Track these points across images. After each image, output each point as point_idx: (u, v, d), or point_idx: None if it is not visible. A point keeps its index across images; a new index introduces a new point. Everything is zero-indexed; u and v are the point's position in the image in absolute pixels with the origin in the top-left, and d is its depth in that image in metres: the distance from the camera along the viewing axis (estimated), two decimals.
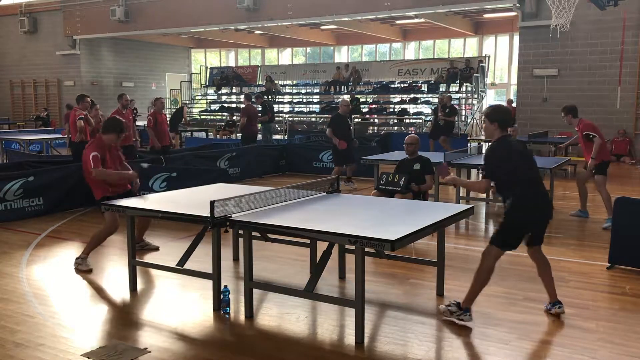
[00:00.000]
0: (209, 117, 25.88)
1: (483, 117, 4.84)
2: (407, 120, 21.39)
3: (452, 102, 17.64)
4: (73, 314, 4.81)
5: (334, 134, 10.68)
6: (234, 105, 25.63)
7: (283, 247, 6.16)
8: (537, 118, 16.70)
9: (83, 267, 5.95)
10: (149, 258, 6.30)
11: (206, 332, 4.45)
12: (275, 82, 25.26)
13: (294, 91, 25.74)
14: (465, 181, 5.53)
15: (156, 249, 6.66)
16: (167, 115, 14.02)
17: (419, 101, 21.65)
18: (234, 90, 26.83)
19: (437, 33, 24.35)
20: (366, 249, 4.11)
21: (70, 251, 6.84)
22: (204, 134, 20.19)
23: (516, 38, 19.02)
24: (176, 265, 5.20)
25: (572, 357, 3.95)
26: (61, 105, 24.46)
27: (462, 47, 25.59)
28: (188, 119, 25.45)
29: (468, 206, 5.16)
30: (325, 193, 5.64)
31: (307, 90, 25.27)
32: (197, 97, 28.18)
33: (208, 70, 28.54)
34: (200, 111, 26.88)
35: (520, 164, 4.53)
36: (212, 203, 4.42)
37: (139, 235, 6.53)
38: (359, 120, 20.77)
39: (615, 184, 11.85)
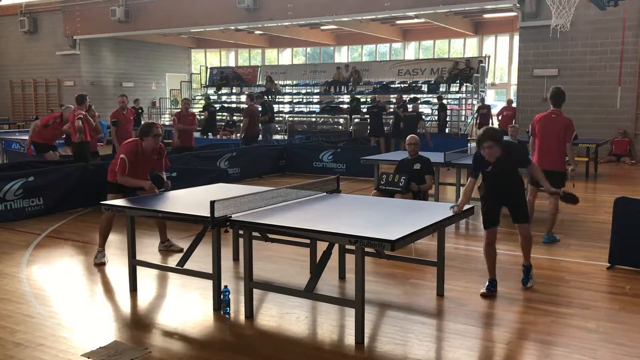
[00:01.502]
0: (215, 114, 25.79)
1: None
2: None
3: (445, 102, 17.72)
4: (73, 314, 4.81)
5: None
6: (234, 105, 25.61)
7: (283, 247, 6.16)
8: None
9: (96, 260, 6.23)
10: (149, 258, 6.30)
11: (206, 332, 4.45)
12: (275, 82, 25.25)
13: (294, 91, 25.72)
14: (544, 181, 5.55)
15: (181, 250, 6.48)
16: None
17: (419, 101, 21.64)
18: (234, 91, 26.82)
19: (437, 33, 24.34)
20: (366, 249, 4.11)
21: (71, 251, 6.85)
22: (210, 134, 20.15)
23: (516, 38, 19.02)
24: (176, 265, 5.20)
25: (572, 357, 3.95)
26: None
27: (462, 47, 25.58)
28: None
29: (468, 206, 5.16)
30: (325, 193, 5.65)
31: (307, 90, 25.26)
32: (197, 97, 28.18)
33: (208, 70, 28.53)
34: (200, 111, 26.85)
35: None
36: (212, 203, 4.42)
37: (161, 235, 6.68)
38: (359, 120, 20.77)
39: (615, 184, 11.85)
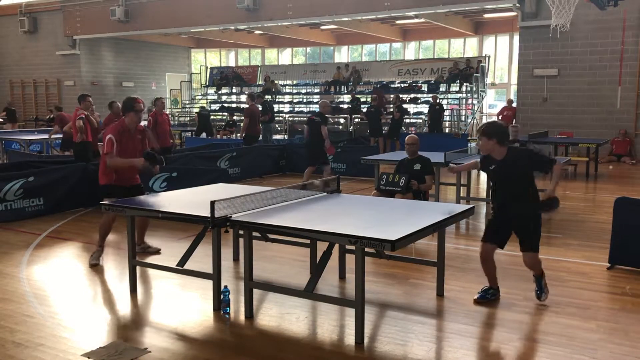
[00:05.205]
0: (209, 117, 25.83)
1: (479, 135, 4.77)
2: (407, 120, 21.36)
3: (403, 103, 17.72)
4: (73, 314, 4.81)
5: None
6: (234, 105, 25.61)
7: (283, 247, 6.16)
8: (537, 118, 16.69)
9: (91, 261, 6.17)
10: (150, 258, 6.30)
11: (206, 332, 4.45)
12: (275, 82, 25.25)
13: (294, 91, 25.72)
14: (554, 181, 4.72)
15: (157, 251, 6.59)
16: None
17: (419, 101, 21.65)
18: (234, 90, 26.82)
19: (437, 33, 24.34)
20: (366, 249, 4.11)
21: (71, 251, 6.85)
22: (204, 134, 20.19)
23: (516, 38, 19.02)
24: (176, 265, 5.19)
25: (572, 357, 3.95)
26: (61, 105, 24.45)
27: (462, 47, 25.57)
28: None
29: (468, 206, 5.16)
30: (325, 193, 5.65)
31: (307, 90, 25.25)
32: (197, 97, 28.18)
33: (208, 70, 28.53)
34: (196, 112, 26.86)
35: None
36: (212, 203, 4.43)
37: (139, 238, 6.49)
38: (359, 120, 20.76)
39: (615, 184, 11.85)
